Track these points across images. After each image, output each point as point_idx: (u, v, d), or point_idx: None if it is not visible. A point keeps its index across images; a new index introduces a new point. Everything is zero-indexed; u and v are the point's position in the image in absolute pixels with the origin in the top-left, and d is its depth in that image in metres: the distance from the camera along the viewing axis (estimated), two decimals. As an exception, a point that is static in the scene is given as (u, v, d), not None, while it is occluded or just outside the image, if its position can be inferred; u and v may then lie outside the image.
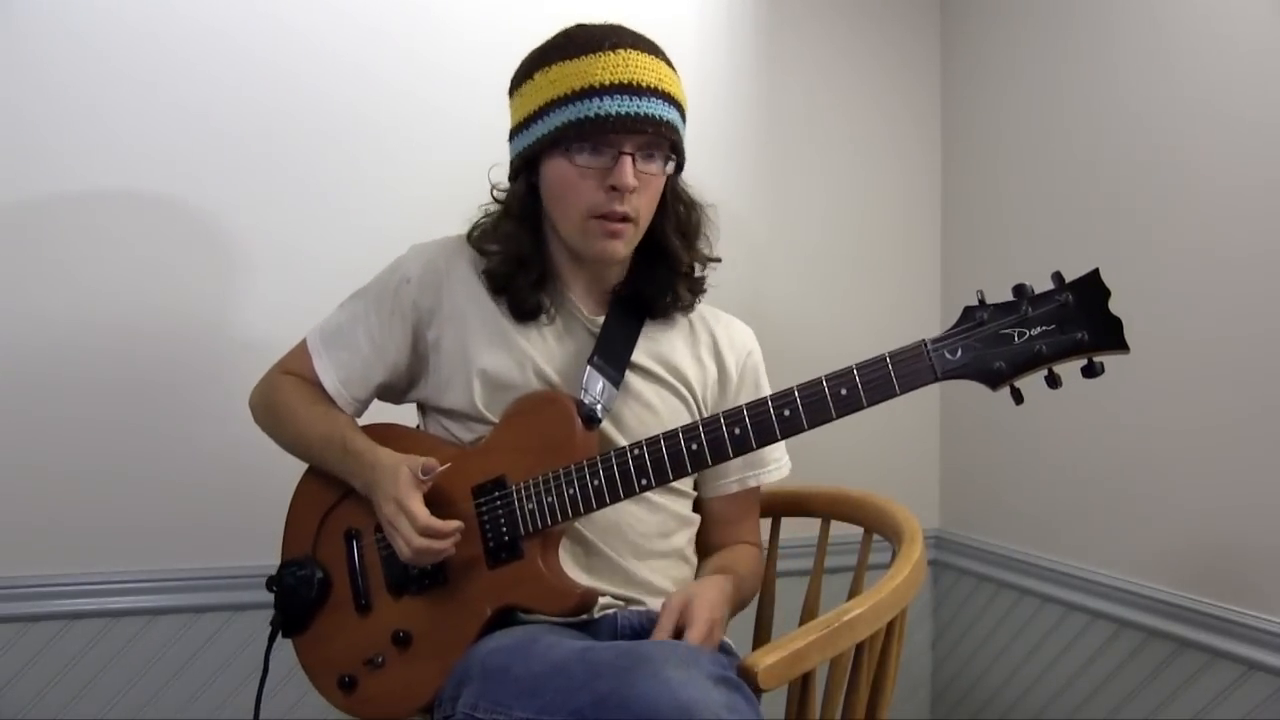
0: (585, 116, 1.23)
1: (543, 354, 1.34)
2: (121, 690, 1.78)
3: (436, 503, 1.25)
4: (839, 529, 1.53)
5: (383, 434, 1.35)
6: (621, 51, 1.26)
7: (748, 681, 1.07)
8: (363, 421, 1.41)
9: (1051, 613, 1.94)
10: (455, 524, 1.23)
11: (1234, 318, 1.57)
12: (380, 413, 1.43)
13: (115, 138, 1.74)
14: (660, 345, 1.39)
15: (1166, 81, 1.69)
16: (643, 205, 1.30)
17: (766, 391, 1.43)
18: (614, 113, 1.23)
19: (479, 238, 1.37)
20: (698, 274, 1.42)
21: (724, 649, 1.32)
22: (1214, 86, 1.60)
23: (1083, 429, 1.81)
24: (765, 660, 1.09)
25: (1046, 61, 1.95)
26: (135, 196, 1.75)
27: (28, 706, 1.73)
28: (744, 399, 1.41)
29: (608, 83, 1.24)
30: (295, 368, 1.42)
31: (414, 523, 1.21)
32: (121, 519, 1.75)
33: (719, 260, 1.42)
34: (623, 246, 1.31)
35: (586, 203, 1.27)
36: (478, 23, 1.90)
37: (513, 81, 1.34)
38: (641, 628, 1.29)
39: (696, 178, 1.41)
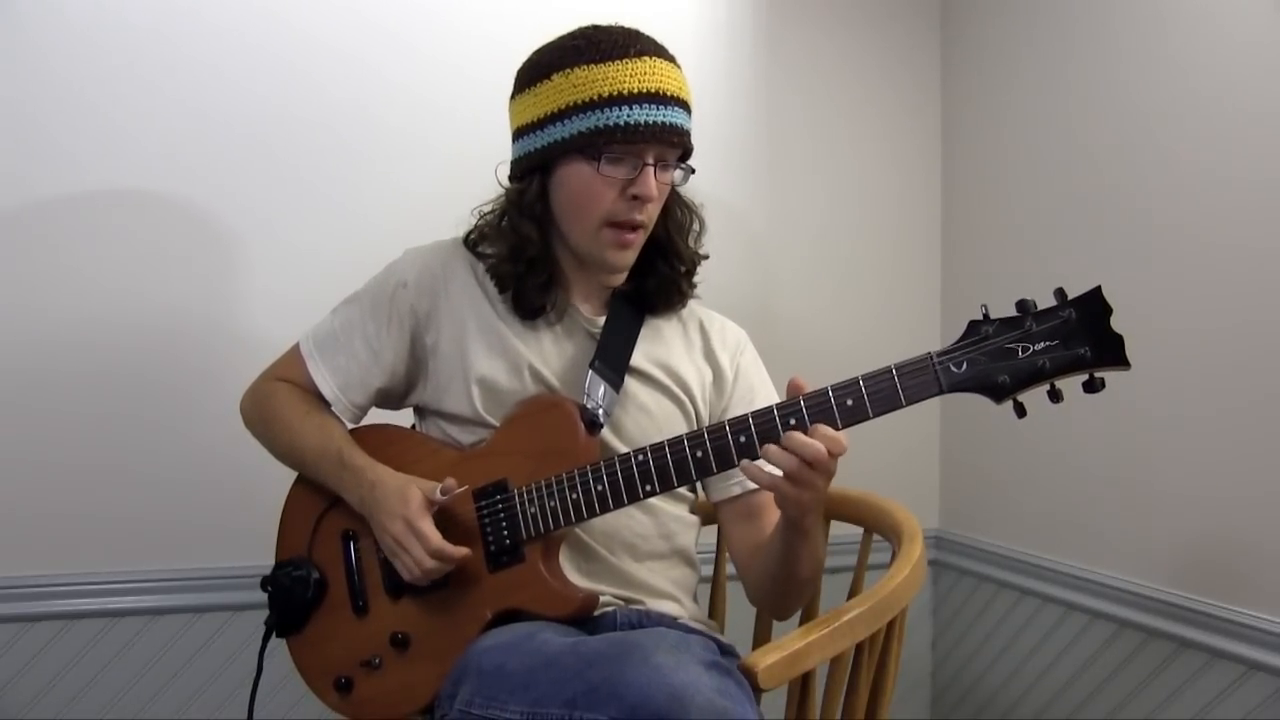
0: (616, 124, 1.23)
1: (540, 357, 1.34)
2: (121, 690, 1.78)
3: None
4: (839, 529, 1.53)
5: (379, 436, 1.35)
6: (647, 59, 1.26)
7: (748, 681, 1.07)
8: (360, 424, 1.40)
9: (1051, 613, 1.94)
10: (465, 551, 1.23)
11: (1236, 316, 1.57)
12: (377, 413, 1.43)
13: (116, 134, 1.73)
14: (658, 348, 1.39)
15: (1167, 78, 1.68)
16: (654, 212, 1.31)
17: (765, 383, 1.45)
18: (644, 121, 1.23)
19: (477, 240, 1.37)
20: (695, 272, 1.42)
21: (724, 649, 1.32)
22: (1215, 82, 1.60)
23: (1083, 429, 1.81)
24: (765, 660, 1.09)
25: (1047, 60, 1.95)
26: (136, 192, 1.75)
27: (28, 706, 1.73)
28: (740, 395, 1.42)
29: (637, 91, 1.24)
30: (288, 375, 1.40)
31: (426, 545, 1.21)
32: (122, 518, 1.75)
33: (707, 256, 1.43)
34: (631, 255, 1.33)
35: (605, 210, 1.27)
36: (481, 19, 1.90)
37: (523, 79, 1.32)
38: (641, 625, 1.28)
39: (694, 175, 1.40)
